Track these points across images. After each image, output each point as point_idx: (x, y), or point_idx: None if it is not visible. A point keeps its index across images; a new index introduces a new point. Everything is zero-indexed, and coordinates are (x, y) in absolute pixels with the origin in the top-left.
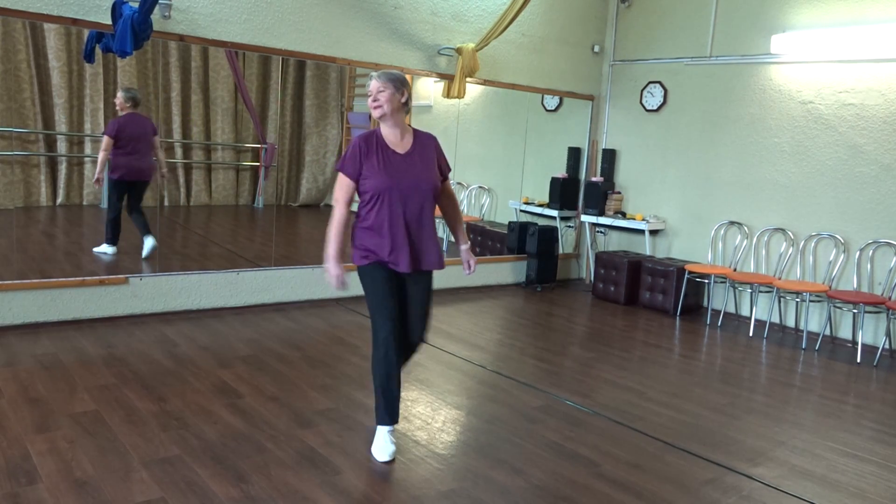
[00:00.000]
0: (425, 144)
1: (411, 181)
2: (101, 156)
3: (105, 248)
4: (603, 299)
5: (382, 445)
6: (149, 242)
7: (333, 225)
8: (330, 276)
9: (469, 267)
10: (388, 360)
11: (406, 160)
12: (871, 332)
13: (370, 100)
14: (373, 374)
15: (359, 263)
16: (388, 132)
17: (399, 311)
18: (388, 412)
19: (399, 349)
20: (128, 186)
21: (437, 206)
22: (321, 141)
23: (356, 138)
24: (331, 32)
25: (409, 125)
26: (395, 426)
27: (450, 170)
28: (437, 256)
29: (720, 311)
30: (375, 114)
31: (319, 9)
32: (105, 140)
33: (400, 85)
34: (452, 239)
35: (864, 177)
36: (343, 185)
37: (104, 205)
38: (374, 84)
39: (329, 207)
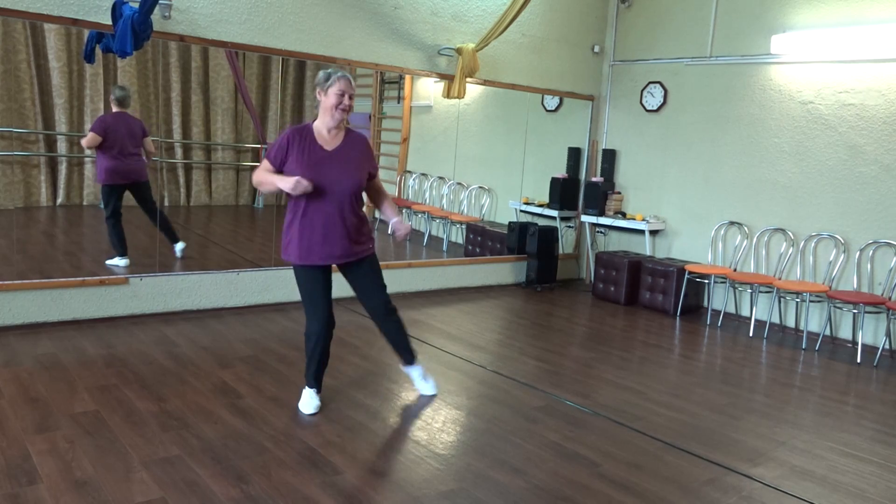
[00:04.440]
0: (354, 144)
1: (332, 178)
2: (83, 142)
3: (117, 261)
4: (603, 299)
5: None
6: (177, 247)
7: (262, 173)
8: (294, 183)
9: (398, 229)
10: (320, 339)
11: (330, 157)
12: (871, 333)
13: (344, 102)
14: (306, 352)
15: (288, 261)
16: (324, 130)
17: (329, 304)
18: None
19: (328, 336)
20: (120, 189)
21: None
22: None
23: (288, 129)
24: (331, 33)
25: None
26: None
27: (377, 171)
28: (349, 249)
29: (720, 312)
30: (341, 116)
31: (319, 9)
32: (90, 136)
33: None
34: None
35: (864, 177)
36: (263, 168)
37: (103, 205)
38: (349, 87)
39: None
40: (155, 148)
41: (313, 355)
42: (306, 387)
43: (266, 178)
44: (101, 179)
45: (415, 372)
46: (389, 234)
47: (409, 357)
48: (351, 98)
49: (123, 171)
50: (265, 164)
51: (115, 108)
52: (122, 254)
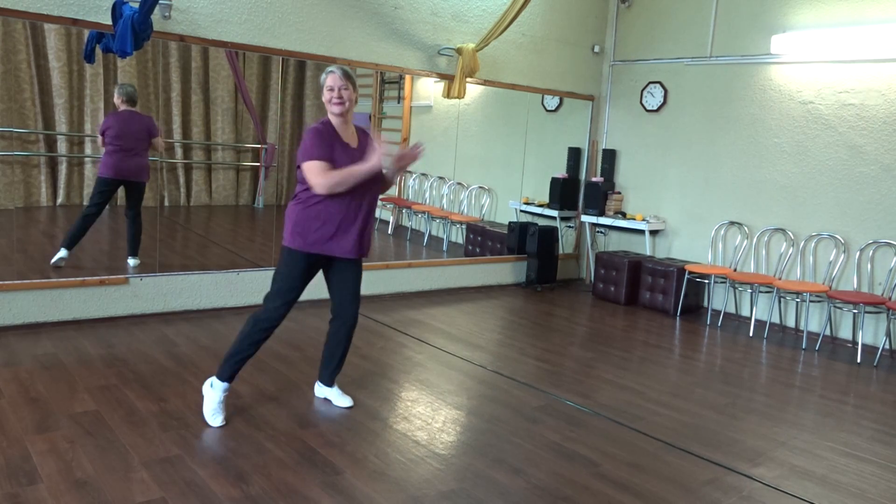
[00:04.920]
0: (368, 140)
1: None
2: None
3: (59, 255)
4: (603, 299)
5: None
6: (131, 262)
7: (346, 170)
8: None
9: (403, 155)
10: (271, 329)
11: (359, 153)
12: (871, 333)
13: (332, 96)
14: (245, 335)
15: (288, 245)
16: (341, 127)
17: (296, 301)
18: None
19: (275, 328)
20: (114, 186)
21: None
22: None
23: (312, 130)
24: (331, 33)
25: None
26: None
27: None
28: (369, 244)
29: (720, 312)
30: (337, 110)
31: (320, 9)
32: (99, 139)
33: (356, 84)
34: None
35: (864, 177)
36: (321, 167)
37: (90, 197)
38: (336, 80)
39: None
40: (164, 148)
41: (254, 343)
42: (215, 381)
43: (344, 174)
44: (99, 172)
45: (334, 391)
46: (393, 168)
47: (334, 377)
48: (343, 90)
49: (119, 168)
50: (320, 164)
51: (123, 107)
52: (67, 246)
